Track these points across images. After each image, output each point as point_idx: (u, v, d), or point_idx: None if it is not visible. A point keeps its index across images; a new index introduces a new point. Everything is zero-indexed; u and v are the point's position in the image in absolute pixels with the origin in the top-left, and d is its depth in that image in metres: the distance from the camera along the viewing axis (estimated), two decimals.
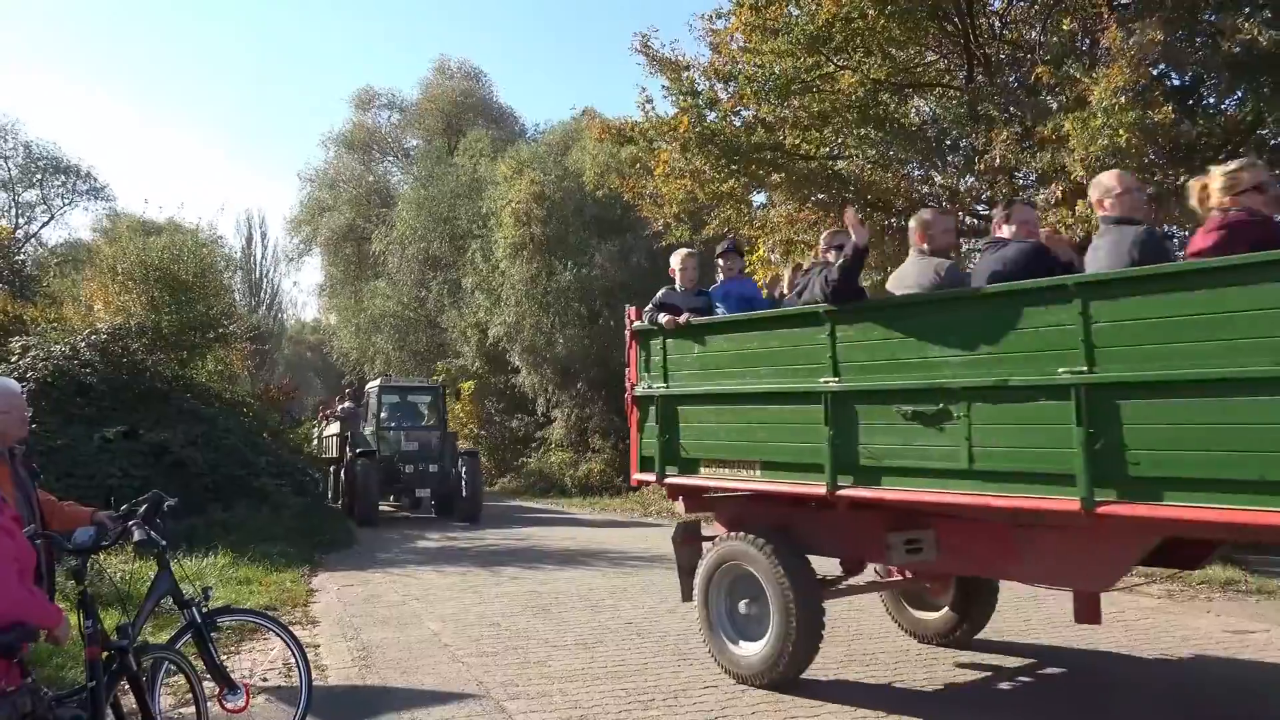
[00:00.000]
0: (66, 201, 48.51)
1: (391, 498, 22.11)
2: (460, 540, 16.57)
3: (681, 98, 14.33)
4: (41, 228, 48.42)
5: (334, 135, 47.48)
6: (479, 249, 32.09)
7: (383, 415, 21.10)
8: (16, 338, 16.41)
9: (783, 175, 14.39)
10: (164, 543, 4.82)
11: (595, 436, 29.40)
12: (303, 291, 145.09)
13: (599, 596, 10.33)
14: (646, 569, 12.40)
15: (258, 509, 15.22)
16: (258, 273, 64.54)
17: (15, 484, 4.68)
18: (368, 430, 21.09)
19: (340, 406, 25.38)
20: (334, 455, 24.03)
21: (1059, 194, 11.76)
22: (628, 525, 19.55)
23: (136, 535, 4.66)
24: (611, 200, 26.82)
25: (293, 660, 5.68)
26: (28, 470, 4.84)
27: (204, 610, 5.07)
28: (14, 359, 15.31)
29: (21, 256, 33.68)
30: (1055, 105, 12.20)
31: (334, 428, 25.06)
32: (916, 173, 14.93)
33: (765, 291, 7.97)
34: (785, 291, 7.33)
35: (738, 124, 14.50)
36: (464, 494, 19.70)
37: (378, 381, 22.19)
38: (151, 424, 15.33)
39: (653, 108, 14.96)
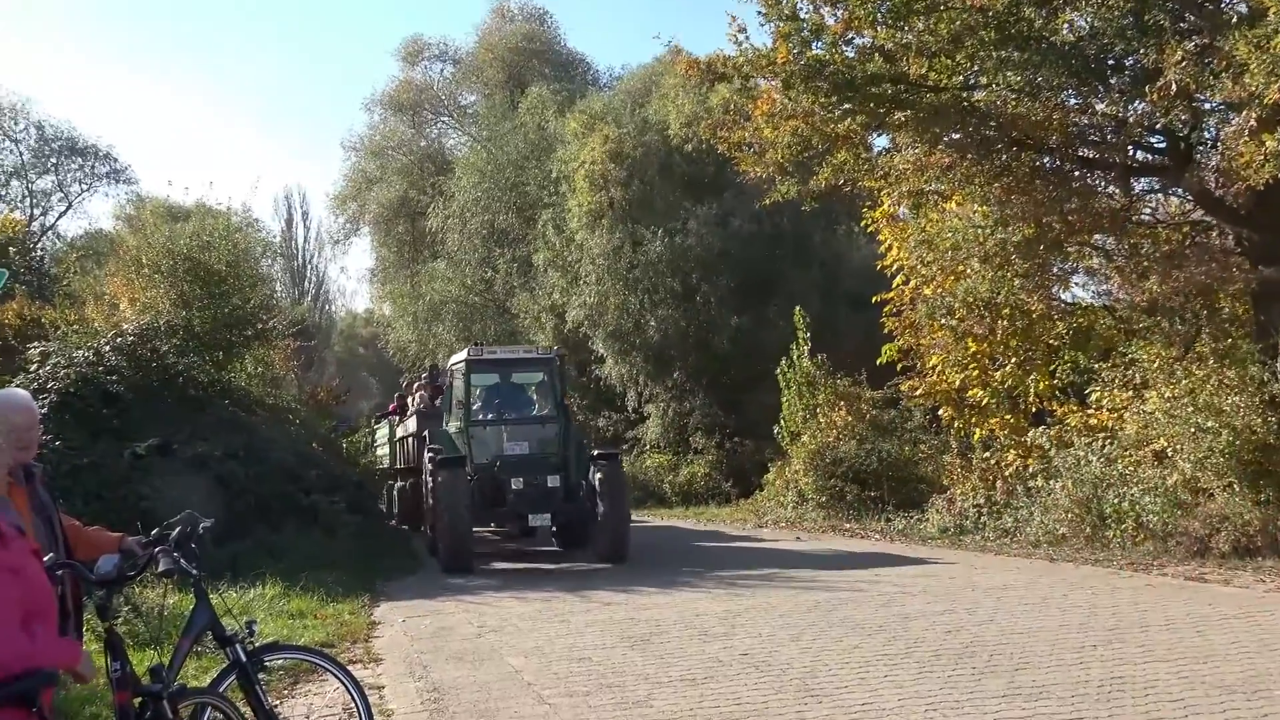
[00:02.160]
0: (85, 187, 50.48)
1: (492, 524, 19.17)
2: (543, 560, 16.67)
3: (781, 23, 14.11)
4: (59, 218, 50.49)
5: (378, 96, 48.45)
6: (551, 219, 32.32)
7: (475, 405, 17.39)
8: (35, 343, 17.03)
9: (908, 112, 14.09)
10: (195, 571, 4.91)
11: (697, 435, 29.39)
12: (352, 278, 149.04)
13: (708, 623, 10.27)
14: (763, 589, 12.31)
15: (309, 530, 15.58)
16: (300, 259, 66.27)
17: (34, 508, 4.73)
18: (452, 427, 17.47)
19: (414, 395, 23.36)
20: (402, 464, 23.10)
21: (1253, 121, 11.28)
22: (739, 539, 19.49)
23: (163, 563, 4.75)
24: (703, 154, 26.72)
25: (353, 705, 5.73)
26: (49, 492, 4.94)
27: (250, 648, 5.14)
28: (33, 368, 15.88)
29: (38, 252, 35.10)
30: (1235, 17, 11.70)
31: (391, 428, 24.56)
32: (1072, 101, 14.48)
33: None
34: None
35: (850, 53, 14.24)
36: (602, 518, 15.89)
37: (464, 354, 17.93)
38: (187, 436, 15.77)
39: (747, 38, 14.77)
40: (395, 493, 23.58)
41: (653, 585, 13.03)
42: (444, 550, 15.52)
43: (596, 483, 15.87)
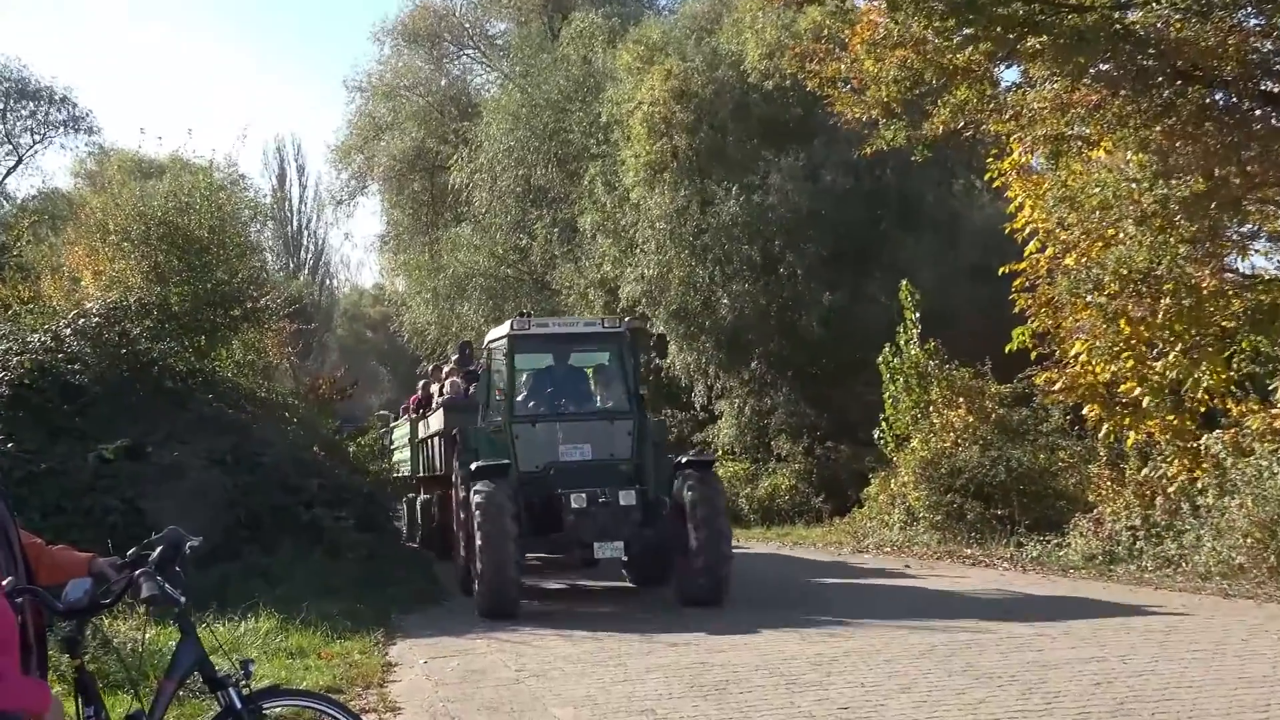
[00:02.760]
0: (38, 137, 51.27)
1: (543, 552, 17.38)
2: (594, 588, 16.70)
3: None
4: (7, 175, 51.39)
5: (389, 24, 48.63)
6: (599, 174, 32.39)
7: (521, 395, 16.47)
8: None
9: (1044, 38, 13.94)
10: (184, 599, 4.98)
11: (781, 438, 29.36)
12: (358, 247, 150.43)
13: (797, 670, 10.28)
14: (865, 629, 12.29)
15: (310, 552, 15.78)
16: (295, 223, 67.28)
17: None
18: (491, 425, 16.59)
19: (441, 384, 22.55)
20: (425, 472, 22.77)
21: None
22: (832, 568, 19.47)
23: (146, 589, 4.81)
24: (787, 93, 26.61)
25: None
26: (5, 503, 5.01)
27: (245, 692, 5.22)
28: None
29: None
30: None
31: (412, 426, 24.23)
32: (1253, 22, 14.25)
33: None
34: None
35: None
36: (694, 548, 14.39)
37: (505, 328, 16.63)
38: (163, 437, 16.02)
39: None
40: (416, 508, 23.61)
41: (728, 622, 13.07)
42: (482, 590, 14.37)
43: (686, 501, 14.58)
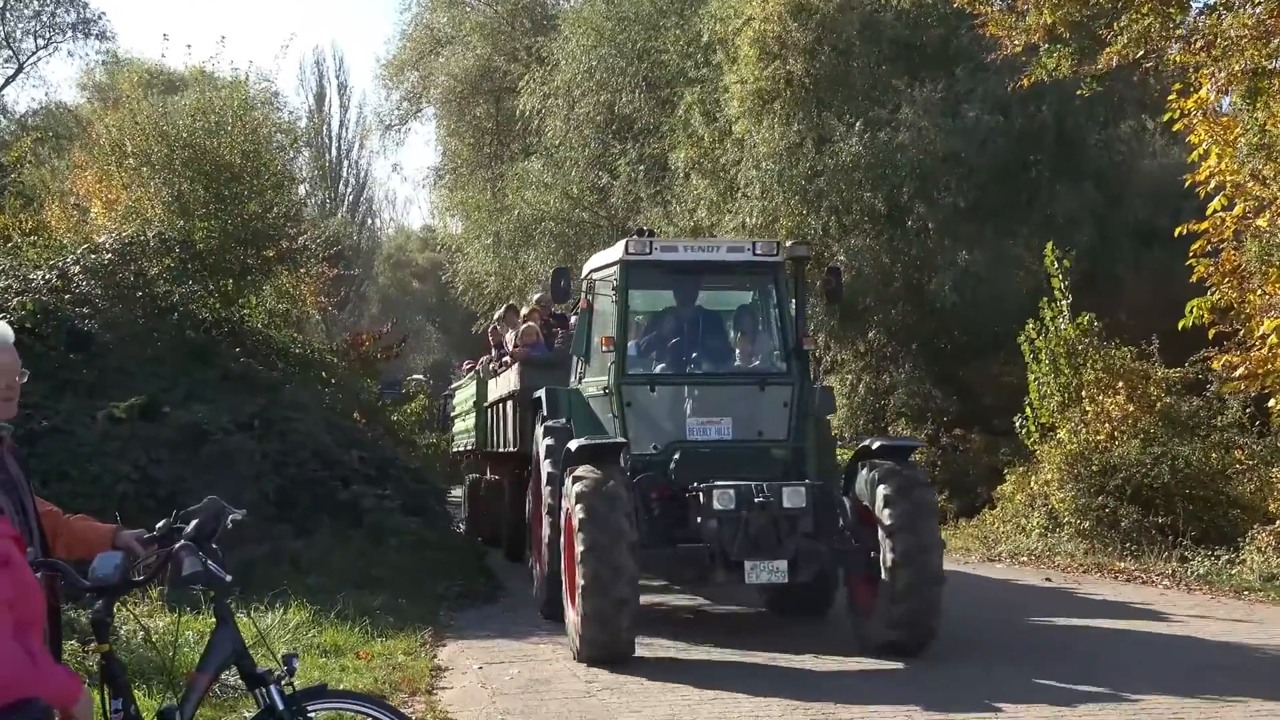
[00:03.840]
0: (43, 42, 51.90)
1: (662, 569, 13.97)
2: (703, 610, 16.21)
3: None
4: (5, 85, 52.05)
5: None
6: (697, 103, 32.30)
7: (636, 346, 14.50)
8: None
9: None
10: (229, 578, 5.12)
11: (901, 423, 29.22)
12: (407, 181, 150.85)
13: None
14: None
15: (348, 535, 16.03)
16: (334, 151, 67.42)
17: (1, 486, 4.95)
18: (590, 385, 14.48)
19: (516, 329, 20.12)
20: (493, 445, 20.85)
21: None
22: (966, 574, 19.42)
23: (188, 565, 4.96)
24: (926, 12, 26.39)
25: None
26: (20, 465, 5.16)
27: (288, 691, 5.35)
28: None
29: None
30: None
31: (479, 386, 22.06)
32: None
33: None
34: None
35: None
36: (892, 572, 11.81)
37: (616, 251, 14.36)
38: (182, 396, 16.29)
39: None
40: (480, 492, 23.10)
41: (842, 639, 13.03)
42: (583, 622, 11.81)
43: (879, 503, 12.07)
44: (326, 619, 12.48)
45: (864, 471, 12.47)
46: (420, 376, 30.88)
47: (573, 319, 17.74)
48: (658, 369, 14.20)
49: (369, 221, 72.20)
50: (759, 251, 14.25)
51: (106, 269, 17.28)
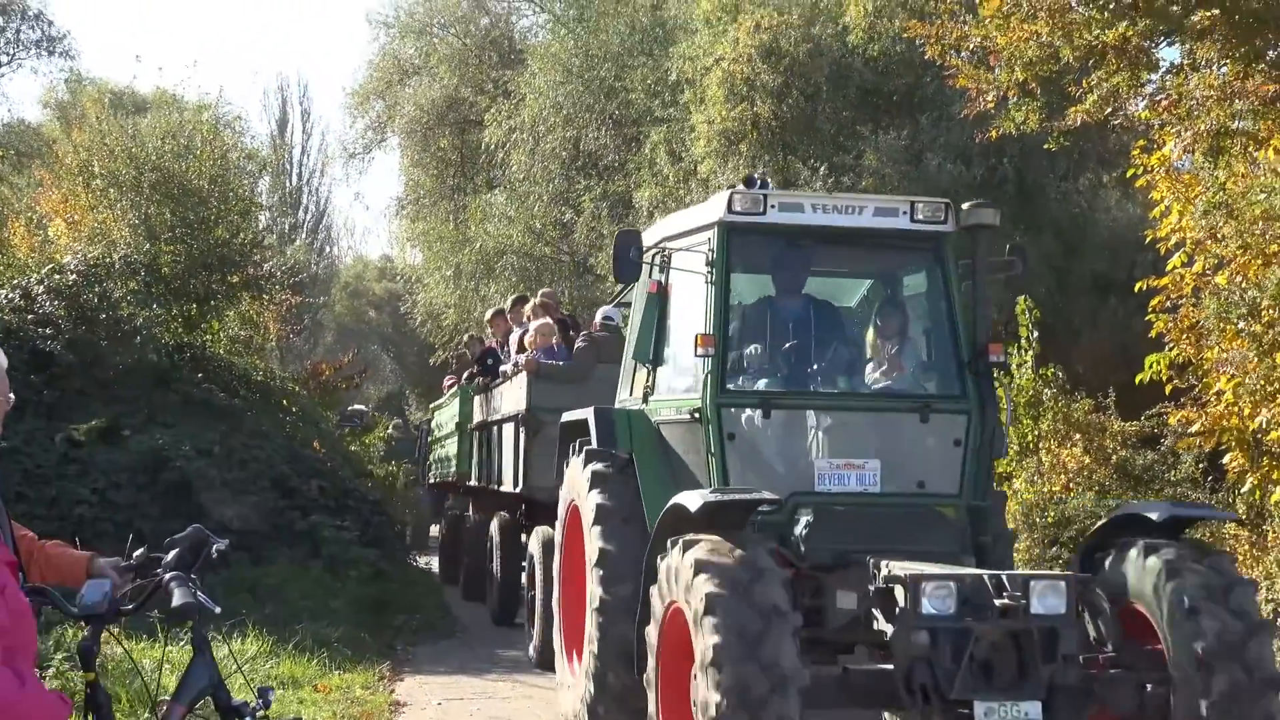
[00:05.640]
0: (5, 58, 51.60)
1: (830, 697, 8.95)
2: None
3: None
4: None
5: None
6: (663, 141, 32.29)
7: (738, 349, 10.00)
8: None
9: (1214, 13, 13.90)
10: (219, 610, 5.10)
11: None
12: (369, 210, 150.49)
13: None
14: None
15: (306, 565, 15.96)
16: (294, 177, 67.24)
17: None
18: (664, 408, 10.17)
19: (525, 326, 16.66)
20: (478, 479, 18.35)
21: None
22: None
23: (178, 596, 4.94)
24: (895, 61, 26.49)
25: None
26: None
27: None
28: None
29: None
30: None
31: (463, 403, 19.18)
32: None
33: None
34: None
35: None
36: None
37: (712, 208, 10.07)
38: (143, 420, 16.20)
39: None
40: (460, 536, 20.59)
41: None
42: None
43: (1182, 606, 7.86)
44: (283, 649, 12.42)
45: (1136, 555, 8.22)
46: (362, 406, 30.50)
47: (599, 318, 15.46)
48: (762, 384, 9.87)
49: (327, 249, 71.93)
50: (921, 215, 10.16)
51: (71, 290, 17.17)
